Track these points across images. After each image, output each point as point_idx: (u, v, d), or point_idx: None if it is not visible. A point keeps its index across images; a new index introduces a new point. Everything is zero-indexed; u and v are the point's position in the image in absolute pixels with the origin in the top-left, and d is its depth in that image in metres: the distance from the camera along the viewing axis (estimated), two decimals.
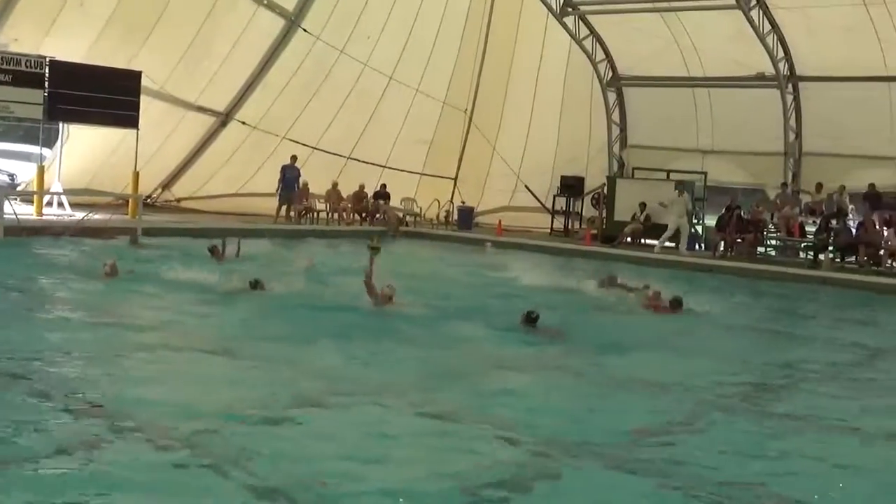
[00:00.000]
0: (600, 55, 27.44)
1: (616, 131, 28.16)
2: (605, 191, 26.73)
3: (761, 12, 23.58)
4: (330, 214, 26.15)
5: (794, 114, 25.12)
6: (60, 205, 21.67)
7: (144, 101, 22.54)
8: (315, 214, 25.94)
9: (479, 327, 11.21)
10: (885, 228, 22.02)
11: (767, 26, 23.87)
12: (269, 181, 24.95)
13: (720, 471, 6.48)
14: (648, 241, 25.36)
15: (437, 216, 28.62)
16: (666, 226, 24.91)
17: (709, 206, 26.89)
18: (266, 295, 12.22)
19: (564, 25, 26.77)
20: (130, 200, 21.85)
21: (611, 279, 15.34)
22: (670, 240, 24.34)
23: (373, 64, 26.71)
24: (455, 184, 29.85)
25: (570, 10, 26.56)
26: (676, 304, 13.18)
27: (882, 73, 23.12)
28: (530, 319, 10.80)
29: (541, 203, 28.49)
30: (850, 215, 23.56)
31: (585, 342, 10.78)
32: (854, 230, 22.78)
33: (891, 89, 23.30)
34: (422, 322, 11.25)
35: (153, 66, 22.92)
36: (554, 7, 26.37)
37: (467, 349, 10.18)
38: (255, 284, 12.37)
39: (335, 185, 26.04)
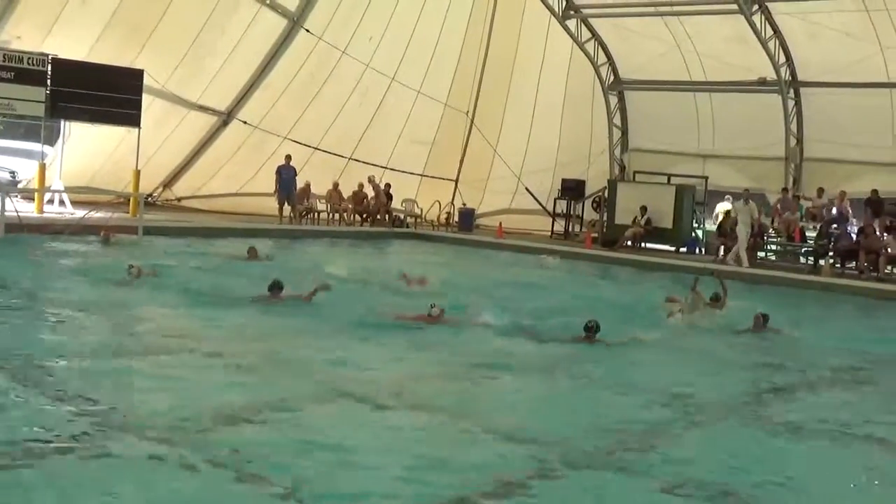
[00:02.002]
0: (602, 58, 27.44)
1: (617, 134, 28.17)
2: (606, 194, 26.72)
3: (763, 17, 23.60)
4: (330, 215, 26.13)
5: (795, 119, 25.12)
6: (61, 202, 21.66)
7: (146, 99, 22.59)
8: (316, 215, 25.95)
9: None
10: (885, 234, 22.04)
11: (769, 31, 23.88)
12: (271, 181, 24.95)
13: (722, 475, 6.51)
14: (649, 245, 25.39)
15: (438, 218, 28.62)
16: (666, 229, 24.98)
17: (710, 211, 26.95)
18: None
19: (566, 28, 26.78)
20: (131, 199, 21.86)
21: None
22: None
23: (375, 65, 26.71)
24: (456, 185, 29.85)
25: (572, 12, 26.57)
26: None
27: (883, 80, 23.13)
28: (589, 330, 10.69)
29: (541, 205, 28.49)
30: (851, 221, 23.56)
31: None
32: (854, 236, 22.79)
33: (892, 95, 23.30)
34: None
35: (155, 64, 22.95)
36: (556, 10, 26.38)
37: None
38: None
39: (336, 185, 26.04)
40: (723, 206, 27.10)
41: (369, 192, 26.56)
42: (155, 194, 25.52)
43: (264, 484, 5.68)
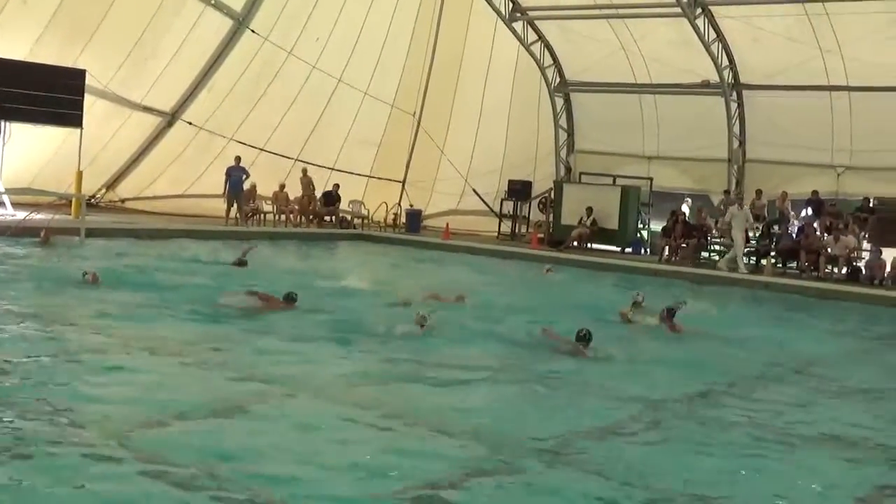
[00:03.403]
0: (548, 60, 27.61)
1: (563, 136, 28.35)
2: (552, 195, 26.90)
3: (707, 21, 23.91)
4: (276, 216, 25.99)
5: (738, 121, 25.48)
6: (1, 204, 21.31)
7: (89, 100, 22.29)
8: (262, 216, 25.80)
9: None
10: (825, 235, 22.44)
11: (713, 34, 24.20)
12: (216, 182, 24.77)
13: (663, 475, 6.59)
14: (594, 246, 25.60)
15: (385, 219, 28.59)
16: (611, 230, 25.23)
17: (655, 212, 27.25)
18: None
19: (513, 30, 26.91)
20: (73, 200, 21.56)
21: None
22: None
23: (321, 66, 26.63)
24: (403, 187, 29.85)
25: (518, 14, 26.70)
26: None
27: (824, 83, 23.55)
28: (580, 338, 10.53)
29: (488, 207, 28.59)
30: (792, 221, 23.97)
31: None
32: (795, 236, 23.19)
33: (832, 99, 23.73)
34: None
35: (98, 65, 22.67)
36: (503, 12, 26.48)
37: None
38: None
39: (282, 186, 25.91)
40: (684, 208, 27.39)
41: (298, 189, 26.33)
42: (98, 196, 25.20)
43: (199, 482, 5.66)
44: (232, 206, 24.56)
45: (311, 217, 26.66)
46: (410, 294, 13.98)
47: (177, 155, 25.61)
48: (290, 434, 6.87)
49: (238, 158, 24.74)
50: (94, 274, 12.94)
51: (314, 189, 26.59)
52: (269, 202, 25.91)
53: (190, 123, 25.49)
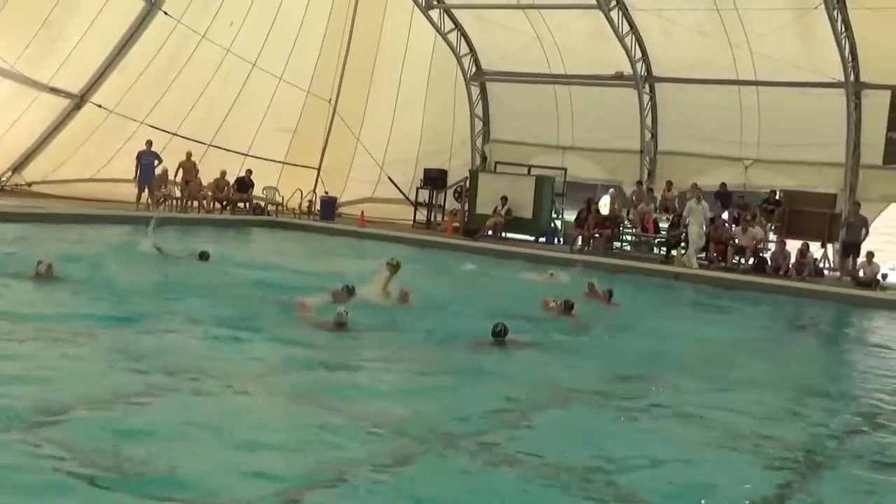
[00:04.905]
0: (464, 49, 27.69)
1: (479, 125, 28.48)
2: (468, 184, 27.00)
3: (621, 13, 24.23)
4: (189, 202, 25.57)
5: (650, 113, 25.90)
6: None
7: None
8: (174, 202, 25.39)
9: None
10: (733, 226, 22.95)
11: (626, 27, 24.54)
12: (127, 166, 24.29)
13: (574, 458, 6.72)
14: (509, 235, 25.78)
15: (300, 206, 28.38)
16: (526, 219, 25.43)
17: (568, 202, 27.55)
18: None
19: (430, 18, 26.91)
20: None
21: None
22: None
23: (235, 50, 26.25)
24: (318, 174, 29.63)
25: (435, 3, 26.71)
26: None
27: (733, 77, 24.06)
28: (497, 334, 10.45)
29: (404, 195, 28.59)
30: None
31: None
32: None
33: (741, 93, 24.28)
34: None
35: (3, 43, 22.07)
36: (419, 0, 26.46)
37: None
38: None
39: (189, 155, 25.32)
40: (606, 200, 27.66)
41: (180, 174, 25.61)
42: (3, 179, 24.53)
43: (100, 470, 5.61)
44: (143, 191, 24.13)
45: (223, 203, 26.32)
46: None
47: (86, 138, 25.04)
48: (199, 422, 6.79)
49: (149, 143, 24.31)
50: (50, 263, 12.19)
51: (198, 173, 25.82)
52: (176, 183, 25.40)
53: (100, 106, 24.93)
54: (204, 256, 15.54)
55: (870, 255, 21.20)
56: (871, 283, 20.61)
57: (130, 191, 24.10)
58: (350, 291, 12.09)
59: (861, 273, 21.04)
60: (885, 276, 21.02)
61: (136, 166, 24.04)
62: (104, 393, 7.31)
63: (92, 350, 8.91)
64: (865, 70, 22.81)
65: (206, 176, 25.88)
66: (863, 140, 23.26)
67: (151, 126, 25.41)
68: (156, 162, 24.28)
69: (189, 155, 25.45)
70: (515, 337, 10.66)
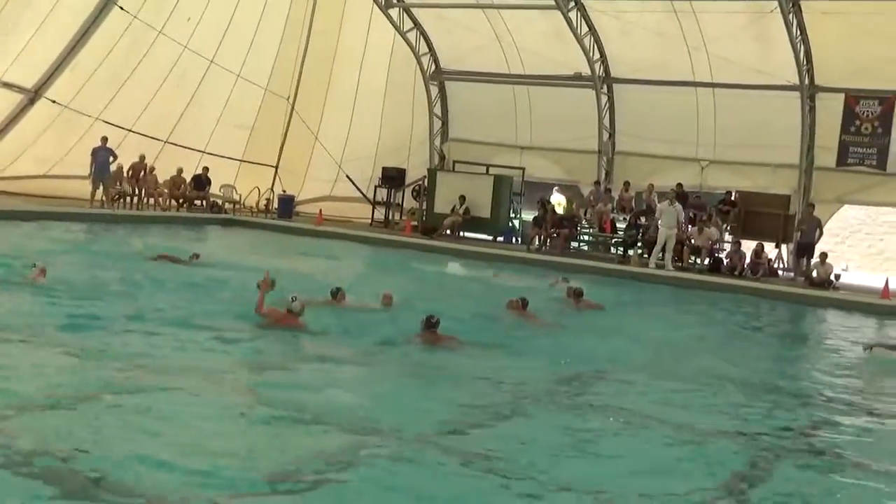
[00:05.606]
0: (424, 48, 27.69)
1: (438, 124, 28.50)
2: (426, 183, 26.99)
3: (579, 14, 24.36)
4: (145, 200, 25.31)
5: (608, 114, 26.05)
6: None
7: None
8: (130, 199, 25.12)
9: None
10: (689, 227, 23.13)
11: (585, 28, 24.67)
12: (82, 163, 23.97)
13: (524, 459, 6.74)
14: (467, 234, 25.80)
15: (257, 204, 28.19)
16: (484, 219, 25.47)
17: (527, 202, 27.65)
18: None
19: (389, 17, 26.88)
20: None
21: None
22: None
23: (193, 46, 26.01)
24: (276, 172, 29.45)
25: (394, 1, 26.68)
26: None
27: (689, 79, 24.27)
28: (431, 324, 10.40)
29: (362, 193, 28.50)
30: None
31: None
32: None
33: (697, 94, 24.50)
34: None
35: None
36: None
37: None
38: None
39: (151, 169, 25.18)
40: (556, 198, 27.79)
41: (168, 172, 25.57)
42: None
43: (55, 469, 5.57)
44: (98, 188, 23.84)
45: (180, 201, 26.09)
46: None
47: (40, 134, 24.67)
48: (155, 421, 6.76)
49: (104, 139, 24.01)
50: (43, 268, 11.89)
51: (153, 171, 25.49)
52: (132, 182, 25.11)
53: (54, 102, 24.58)
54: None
55: (823, 255, 21.48)
56: (825, 283, 20.87)
57: (85, 188, 23.80)
58: (334, 294, 12.12)
59: (815, 273, 21.30)
60: (838, 277, 21.28)
61: (91, 163, 23.75)
62: (55, 394, 7.21)
63: (41, 350, 8.79)
64: (820, 73, 23.11)
65: (163, 173, 25.63)
66: (817, 142, 23.59)
67: (107, 122, 25.06)
68: (111, 158, 24.00)
69: (142, 158, 25.16)
70: (466, 337, 10.70)
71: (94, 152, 23.73)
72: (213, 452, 6.18)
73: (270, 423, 7.13)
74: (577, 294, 14.86)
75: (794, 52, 22.51)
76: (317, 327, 10.68)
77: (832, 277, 21.04)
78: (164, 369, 8.34)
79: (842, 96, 23.00)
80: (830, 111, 23.14)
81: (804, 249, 22.34)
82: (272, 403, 7.66)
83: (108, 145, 23.97)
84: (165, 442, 6.32)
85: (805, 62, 22.85)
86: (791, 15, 21.90)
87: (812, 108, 23.40)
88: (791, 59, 22.63)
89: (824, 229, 22.97)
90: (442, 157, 28.47)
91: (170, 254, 15.70)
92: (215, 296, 12.51)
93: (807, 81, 23.07)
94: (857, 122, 22.87)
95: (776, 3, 21.66)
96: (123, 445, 6.11)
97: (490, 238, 25.87)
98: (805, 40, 22.62)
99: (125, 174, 24.77)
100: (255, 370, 8.97)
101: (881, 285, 20.41)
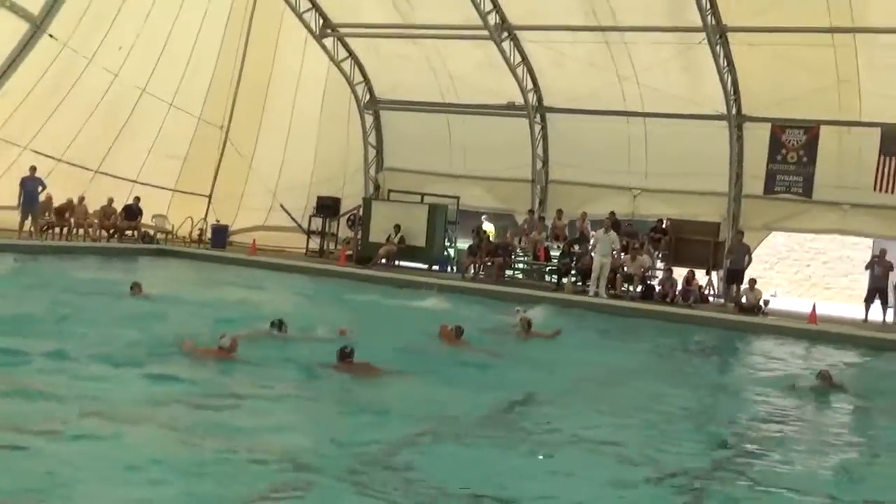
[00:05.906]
0: (358, 77, 27.73)
1: (372, 153, 28.50)
2: (361, 212, 26.96)
3: (512, 44, 24.59)
4: (74, 230, 24.91)
5: (541, 142, 26.26)
6: None
7: None
8: (60, 230, 24.73)
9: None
10: (622, 254, 23.37)
11: (518, 58, 24.90)
12: (10, 193, 23.55)
13: (460, 484, 6.76)
14: (402, 263, 25.78)
15: (190, 234, 27.89)
16: (419, 247, 25.48)
17: (461, 230, 27.73)
18: None
19: (323, 46, 26.89)
20: None
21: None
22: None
23: (124, 75, 25.76)
24: (209, 201, 29.20)
25: (329, 31, 26.70)
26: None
27: (621, 108, 24.61)
28: (345, 355, 10.46)
29: (296, 223, 28.36)
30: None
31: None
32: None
33: (629, 123, 24.83)
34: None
35: None
36: (313, 27, 26.44)
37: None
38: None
39: (81, 199, 24.86)
40: (486, 227, 27.88)
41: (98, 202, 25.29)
42: None
43: None
44: (26, 218, 23.45)
45: (110, 231, 25.74)
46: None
47: None
48: (85, 458, 6.64)
49: (33, 168, 23.64)
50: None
51: (83, 201, 25.25)
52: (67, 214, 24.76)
53: None
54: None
55: (752, 281, 21.86)
56: (754, 308, 21.24)
57: (13, 218, 23.40)
58: (277, 326, 12.10)
59: (744, 299, 21.65)
60: (766, 303, 21.64)
61: (20, 193, 23.37)
62: None
63: None
64: (747, 103, 23.57)
65: (93, 203, 25.27)
66: (745, 171, 24.01)
67: (35, 151, 24.68)
68: (40, 188, 23.64)
69: (71, 201, 24.82)
70: (390, 365, 10.69)
71: (23, 182, 23.36)
72: (148, 490, 6.10)
73: (204, 458, 7.05)
74: (526, 324, 14.92)
75: (721, 83, 22.93)
76: (248, 360, 10.60)
77: (761, 303, 21.41)
78: (89, 406, 8.19)
79: (769, 125, 23.50)
80: (758, 140, 23.61)
81: (734, 276, 22.71)
82: (205, 438, 7.56)
83: (38, 175, 23.61)
84: (99, 482, 6.23)
85: (732, 92, 23.30)
86: (718, 46, 22.34)
87: (740, 138, 23.84)
88: (719, 89, 23.06)
89: (753, 256, 23.40)
90: (377, 187, 28.48)
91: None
92: (144, 328, 12.31)
93: (734, 111, 23.52)
94: (784, 151, 23.37)
95: (703, 35, 22.07)
96: (45, 482, 6.04)
97: (425, 267, 25.88)
98: (732, 71, 23.07)
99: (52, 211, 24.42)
100: (186, 405, 8.81)
101: (808, 310, 20.81)
